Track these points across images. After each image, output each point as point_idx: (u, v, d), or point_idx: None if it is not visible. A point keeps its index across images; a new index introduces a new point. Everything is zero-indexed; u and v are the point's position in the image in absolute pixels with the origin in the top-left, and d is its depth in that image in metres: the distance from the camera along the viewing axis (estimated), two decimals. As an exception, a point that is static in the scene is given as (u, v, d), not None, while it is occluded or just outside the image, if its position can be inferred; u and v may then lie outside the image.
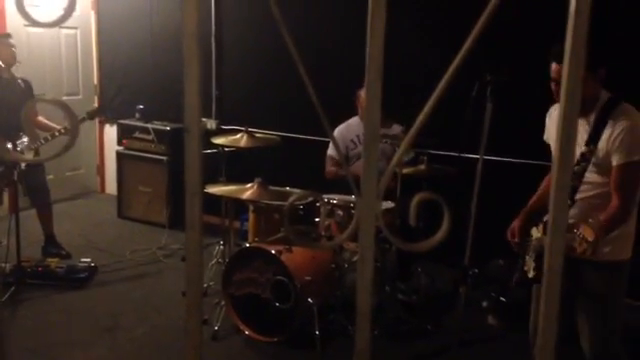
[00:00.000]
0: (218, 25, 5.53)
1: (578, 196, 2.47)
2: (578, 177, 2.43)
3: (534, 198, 2.76)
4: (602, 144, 2.37)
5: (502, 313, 3.89)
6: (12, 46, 4.46)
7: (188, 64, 0.78)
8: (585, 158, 2.40)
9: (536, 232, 2.59)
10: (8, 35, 4.49)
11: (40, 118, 4.67)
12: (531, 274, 2.56)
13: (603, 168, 2.40)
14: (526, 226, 2.66)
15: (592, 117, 2.41)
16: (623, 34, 3.79)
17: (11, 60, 4.46)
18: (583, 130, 2.42)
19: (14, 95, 4.32)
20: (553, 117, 2.68)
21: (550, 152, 2.79)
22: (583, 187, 2.47)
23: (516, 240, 2.68)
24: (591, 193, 2.45)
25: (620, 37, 3.71)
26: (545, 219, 2.49)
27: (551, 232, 0.72)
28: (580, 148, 2.41)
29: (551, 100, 2.55)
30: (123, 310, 3.98)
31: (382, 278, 3.85)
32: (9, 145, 4.17)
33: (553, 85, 2.43)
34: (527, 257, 2.62)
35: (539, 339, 0.77)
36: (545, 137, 2.78)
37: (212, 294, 3.96)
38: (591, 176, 2.44)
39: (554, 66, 2.41)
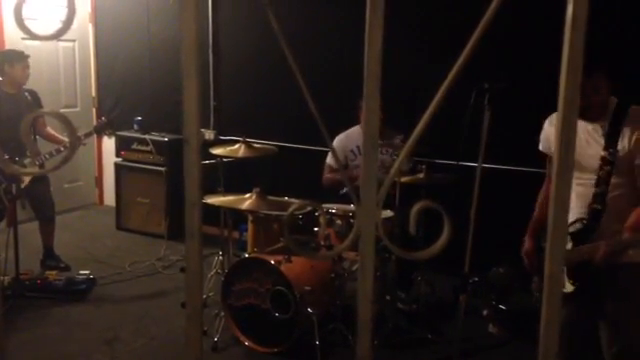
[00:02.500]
0: (215, 36, 5.56)
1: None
2: (605, 181, 2.42)
3: (537, 212, 2.74)
4: (623, 146, 2.39)
5: (502, 321, 3.88)
6: (28, 67, 4.49)
7: (187, 76, 0.78)
8: (608, 162, 2.40)
9: None
10: (27, 57, 4.49)
11: (49, 129, 4.68)
12: (570, 288, 2.47)
13: (622, 169, 2.41)
14: (538, 243, 2.64)
15: (604, 122, 2.43)
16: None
17: (24, 81, 4.49)
18: (597, 135, 2.44)
19: (19, 110, 4.31)
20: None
21: (545, 162, 2.77)
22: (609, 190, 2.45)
23: (531, 261, 2.67)
24: (615, 193, 2.45)
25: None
26: (571, 229, 2.46)
27: (551, 238, 0.73)
28: (597, 153, 2.42)
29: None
30: (122, 322, 3.96)
31: (382, 287, 3.85)
32: (9, 158, 4.16)
33: None
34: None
35: (541, 346, 0.77)
36: (542, 147, 2.76)
37: (211, 305, 3.94)
38: (613, 179, 2.44)
39: None
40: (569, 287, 2.48)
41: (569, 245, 2.47)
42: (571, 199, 2.57)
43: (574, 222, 2.47)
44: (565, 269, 2.47)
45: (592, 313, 2.55)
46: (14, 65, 4.38)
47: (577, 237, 2.46)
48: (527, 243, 2.71)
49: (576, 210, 2.48)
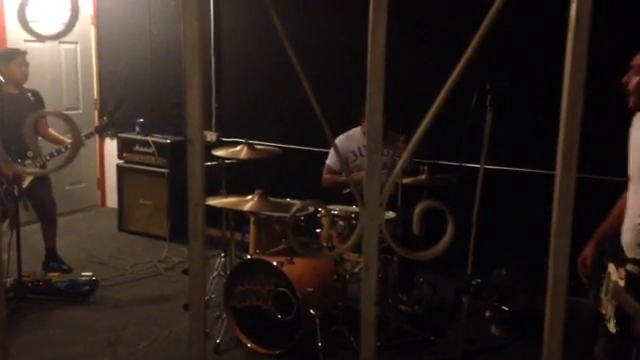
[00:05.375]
0: (217, 37, 5.56)
1: None
2: None
3: (606, 223, 2.40)
4: None
5: (505, 323, 3.87)
6: (26, 65, 4.43)
7: (190, 75, 0.78)
8: None
9: (614, 270, 2.21)
10: (24, 53, 4.42)
11: (50, 130, 4.68)
12: (613, 329, 2.16)
13: None
14: (598, 255, 2.35)
15: None
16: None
17: (23, 79, 4.45)
18: None
19: (22, 110, 4.29)
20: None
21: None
22: None
23: (588, 270, 2.35)
24: None
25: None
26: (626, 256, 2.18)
27: (555, 237, 0.72)
28: None
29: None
30: (124, 324, 3.96)
31: (384, 289, 3.84)
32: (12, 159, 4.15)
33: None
34: (602, 296, 2.25)
35: (545, 347, 0.76)
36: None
37: (213, 307, 3.94)
38: None
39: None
40: (612, 328, 2.18)
41: (622, 282, 2.12)
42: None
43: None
44: (613, 308, 2.17)
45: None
46: (9, 63, 4.33)
47: (635, 283, 2.11)
48: (588, 247, 2.37)
49: (628, 222, 2.19)
